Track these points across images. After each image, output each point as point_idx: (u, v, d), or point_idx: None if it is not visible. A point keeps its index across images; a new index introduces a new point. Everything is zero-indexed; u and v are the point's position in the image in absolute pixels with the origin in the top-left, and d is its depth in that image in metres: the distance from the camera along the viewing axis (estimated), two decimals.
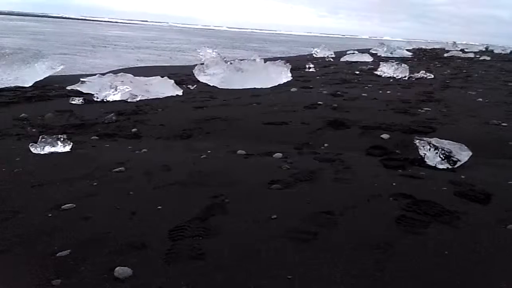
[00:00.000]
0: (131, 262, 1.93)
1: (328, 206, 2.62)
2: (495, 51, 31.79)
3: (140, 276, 1.84)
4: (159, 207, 2.54)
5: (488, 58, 20.87)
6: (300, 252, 2.07)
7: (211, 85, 8.46)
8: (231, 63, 8.62)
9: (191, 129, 4.79)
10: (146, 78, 7.22)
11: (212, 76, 8.43)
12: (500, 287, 1.85)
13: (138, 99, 6.57)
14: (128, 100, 6.49)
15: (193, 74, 8.71)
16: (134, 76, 7.13)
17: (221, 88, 8.23)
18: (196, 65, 8.78)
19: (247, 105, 6.32)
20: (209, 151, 3.81)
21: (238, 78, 8.51)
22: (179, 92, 7.23)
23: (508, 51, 32.81)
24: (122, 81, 6.84)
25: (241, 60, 8.78)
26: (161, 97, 6.89)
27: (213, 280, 1.83)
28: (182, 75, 9.93)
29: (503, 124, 5.23)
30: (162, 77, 7.28)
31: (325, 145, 4.30)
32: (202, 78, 8.62)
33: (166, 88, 7.03)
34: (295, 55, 21.64)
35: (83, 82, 7.02)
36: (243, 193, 2.78)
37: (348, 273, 1.91)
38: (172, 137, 4.51)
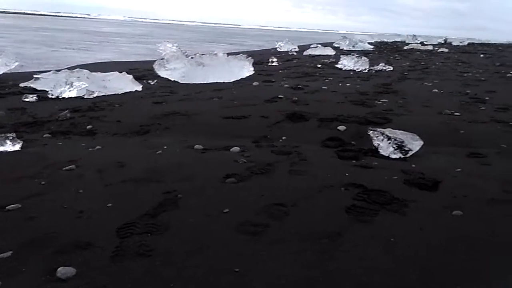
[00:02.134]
0: (76, 261, 1.88)
1: (281, 198, 2.63)
2: (453, 43, 32.81)
3: (84, 275, 1.79)
4: (109, 204, 2.49)
5: (446, 50, 21.52)
6: (250, 244, 2.07)
7: (172, 80, 8.36)
8: (192, 58, 8.53)
9: (149, 124, 4.71)
10: (103, 73, 7.04)
11: (173, 71, 8.32)
12: (440, 269, 1.91)
13: (95, 95, 6.41)
14: (85, 97, 6.33)
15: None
16: (91, 72, 6.95)
17: (183, 83, 8.15)
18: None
19: (208, 99, 6.28)
20: (165, 147, 3.76)
21: (200, 72, 8.44)
22: (138, 87, 7.10)
23: (466, 43, 33.93)
24: (78, 77, 6.66)
25: (202, 54, 8.69)
26: (119, 93, 6.76)
27: (160, 276, 1.81)
28: (143, 70, 9.77)
29: (456, 113, 5.41)
30: (121, 72, 7.13)
31: (283, 138, 4.33)
32: (162, 73, 8.49)
33: (124, 83, 6.90)
34: (259, 49, 21.64)
35: (37, 78, 6.77)
36: (197, 188, 2.76)
37: (295, 263, 1.92)
38: (128, 133, 4.42)
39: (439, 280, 1.84)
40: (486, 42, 47.07)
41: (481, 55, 18.75)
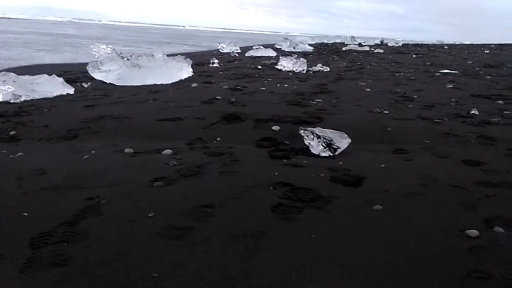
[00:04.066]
0: None
1: (208, 199, 2.62)
2: (389, 44, 34.24)
3: None
4: (25, 214, 2.37)
5: (382, 51, 22.42)
6: (172, 248, 2.04)
7: (108, 82, 8.13)
8: (128, 59, 8.33)
9: (78, 129, 4.54)
10: (32, 76, 6.71)
11: (108, 73, 8.09)
12: (356, 263, 1.98)
13: (22, 99, 6.09)
14: (11, 101, 5.99)
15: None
16: (19, 75, 6.59)
17: (119, 85, 7.94)
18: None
19: (143, 102, 6.15)
20: (93, 152, 3.64)
21: (137, 74, 8.26)
22: (70, 90, 6.83)
23: (400, 44, 35.53)
24: (4, 81, 6.30)
25: (139, 56, 8.52)
26: (49, 96, 6.47)
27: (74, 286, 1.75)
28: (78, 72, 9.41)
29: (385, 111, 5.64)
30: (50, 75, 6.82)
31: (218, 139, 4.32)
32: (97, 75, 8.23)
33: (54, 86, 6.60)
34: (201, 50, 21.51)
35: None
36: (122, 193, 2.69)
37: (217, 264, 1.92)
38: (55, 139, 4.23)
39: (356, 272, 1.91)
40: (420, 42, 49.56)
41: (414, 55, 19.70)
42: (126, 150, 3.71)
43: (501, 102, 6.74)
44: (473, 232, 2.29)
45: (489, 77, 10.55)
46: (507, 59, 18.20)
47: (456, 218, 2.48)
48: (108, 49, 8.12)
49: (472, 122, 5.15)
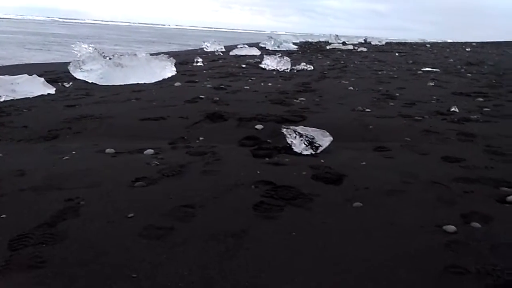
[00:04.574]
0: None
1: (190, 199, 2.62)
2: (372, 43, 34.49)
3: None
4: (3, 216, 2.33)
5: (365, 50, 22.59)
6: (151, 249, 2.04)
7: (90, 82, 8.05)
8: (110, 59, 8.25)
9: (58, 129, 4.49)
10: (12, 77, 6.59)
11: (90, 73, 8.01)
12: (336, 260, 2.00)
13: (2, 99, 5.99)
14: None
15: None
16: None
17: (101, 85, 7.87)
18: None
19: (125, 101, 6.11)
20: (74, 152, 3.60)
21: (119, 74, 8.19)
22: (51, 90, 6.75)
23: (384, 42, 35.81)
24: None
25: (121, 55, 8.44)
26: (30, 96, 6.38)
27: (52, 287, 1.73)
28: (60, 72, 9.30)
29: (367, 110, 5.69)
30: (31, 75, 6.72)
31: (201, 138, 4.31)
32: (79, 75, 8.15)
33: (35, 86, 6.51)
34: (185, 49, 21.41)
35: None
36: (102, 194, 2.67)
37: (196, 264, 1.92)
38: (35, 139, 4.18)
39: (335, 269, 1.93)
40: (403, 41, 50.04)
41: (396, 54, 19.89)
42: (108, 150, 3.68)
43: (481, 99, 6.85)
44: (451, 228, 2.33)
45: (470, 75, 10.72)
46: (488, 57, 18.52)
47: (435, 214, 2.51)
48: (90, 48, 8.02)
49: (452, 119, 5.23)
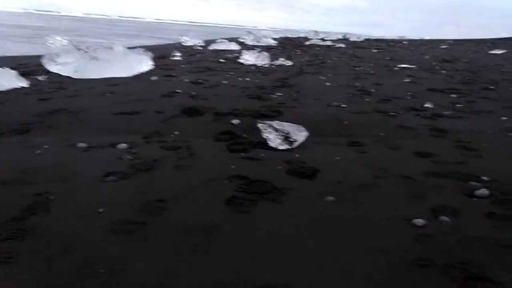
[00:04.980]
0: None
1: (162, 194, 2.60)
2: (351, 39, 34.75)
3: None
4: None
5: (344, 46, 22.74)
6: (122, 244, 2.02)
7: (64, 75, 7.88)
8: (85, 52, 8.10)
9: (31, 123, 4.39)
10: None
11: (64, 66, 7.83)
12: (306, 253, 2.02)
13: None
14: None
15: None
16: None
17: (76, 78, 7.72)
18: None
19: (100, 95, 6.01)
20: (46, 146, 3.53)
21: (95, 67, 8.04)
22: (24, 83, 6.59)
23: (362, 39, 36.13)
24: None
25: (97, 48, 8.29)
26: (2, 90, 6.21)
27: (20, 283, 1.70)
28: (34, 65, 9.07)
29: (343, 105, 5.74)
30: (3, 68, 6.54)
31: (176, 133, 4.27)
32: (53, 68, 7.96)
33: (7, 79, 6.34)
34: (163, 43, 21.17)
35: None
36: (73, 188, 2.62)
37: (166, 259, 1.91)
38: (6, 133, 4.07)
39: (305, 263, 1.94)
40: (381, 38, 50.55)
41: (374, 50, 20.09)
42: (80, 144, 3.62)
43: (454, 95, 6.98)
44: (420, 221, 2.37)
45: (444, 71, 10.90)
46: (463, 55, 18.88)
47: (405, 208, 2.56)
48: (64, 41, 7.85)
49: (425, 115, 5.32)
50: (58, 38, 7.74)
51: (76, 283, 1.72)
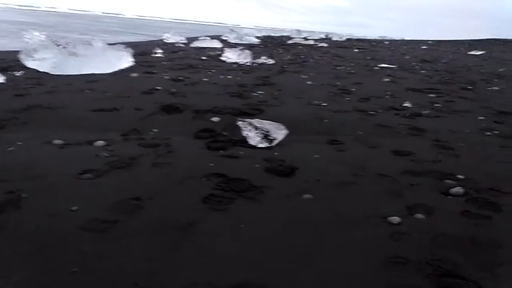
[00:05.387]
0: None
1: (138, 191, 2.56)
2: (333, 39, 34.96)
3: None
4: None
5: (326, 45, 22.85)
6: (95, 242, 1.98)
7: (42, 71, 7.73)
8: (64, 47, 7.95)
9: (5, 119, 4.28)
10: None
11: (42, 61, 7.68)
12: (282, 251, 2.02)
13: None
14: None
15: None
16: None
17: (54, 75, 7.57)
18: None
19: (79, 91, 5.91)
20: (20, 143, 3.45)
21: (74, 63, 7.90)
22: (0, 79, 6.43)
23: (344, 38, 36.39)
24: None
25: (76, 44, 8.15)
26: None
27: None
28: (10, 60, 8.87)
29: (323, 104, 5.76)
30: None
31: (155, 130, 4.22)
32: (30, 64, 7.79)
33: None
34: (145, 40, 20.96)
35: None
36: (47, 186, 2.57)
37: (140, 257, 1.88)
38: None
39: (280, 260, 1.94)
40: (363, 37, 51.01)
41: (356, 50, 20.24)
42: (56, 141, 3.55)
43: (433, 95, 7.08)
44: (395, 219, 2.39)
45: (424, 71, 11.05)
46: (442, 55, 19.19)
47: (381, 206, 2.58)
48: (42, 36, 7.70)
49: (404, 114, 5.37)
50: (36, 33, 7.58)
51: (48, 282, 1.68)
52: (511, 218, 2.56)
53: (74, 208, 2.29)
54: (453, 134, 4.58)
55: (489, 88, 8.37)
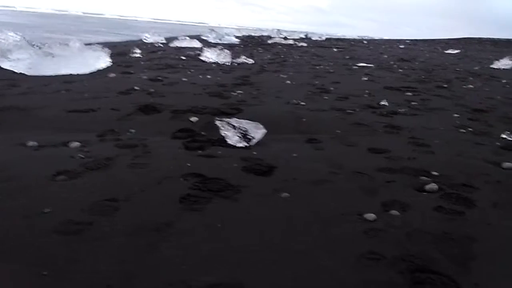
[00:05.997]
0: None
1: (113, 193, 2.53)
2: (313, 38, 35.17)
3: None
4: None
5: (305, 45, 22.97)
6: (68, 245, 1.95)
7: (18, 72, 7.58)
8: (40, 48, 7.81)
9: None
10: None
11: (17, 62, 7.53)
12: (259, 250, 2.02)
13: None
14: None
15: None
16: None
17: (30, 75, 7.43)
18: None
19: (55, 92, 5.81)
20: None
21: (50, 63, 7.77)
22: None
23: (324, 38, 36.64)
24: None
25: (52, 44, 8.01)
26: None
27: None
28: None
29: (302, 103, 5.80)
30: None
31: (132, 131, 4.19)
32: (5, 65, 7.63)
33: None
34: (123, 40, 20.73)
35: None
36: (19, 188, 2.52)
37: (114, 259, 1.86)
38: None
39: (257, 259, 1.94)
40: (342, 37, 51.42)
41: (335, 49, 20.40)
42: (30, 143, 3.48)
43: (410, 94, 7.19)
44: (371, 216, 2.42)
45: (401, 70, 11.22)
46: (419, 54, 19.49)
47: (357, 203, 2.61)
48: (17, 36, 7.55)
49: (381, 113, 5.45)
50: (11, 33, 7.42)
51: (18, 286, 1.65)
52: (484, 213, 2.62)
53: (47, 210, 2.25)
54: (428, 131, 4.66)
55: (464, 86, 8.55)
